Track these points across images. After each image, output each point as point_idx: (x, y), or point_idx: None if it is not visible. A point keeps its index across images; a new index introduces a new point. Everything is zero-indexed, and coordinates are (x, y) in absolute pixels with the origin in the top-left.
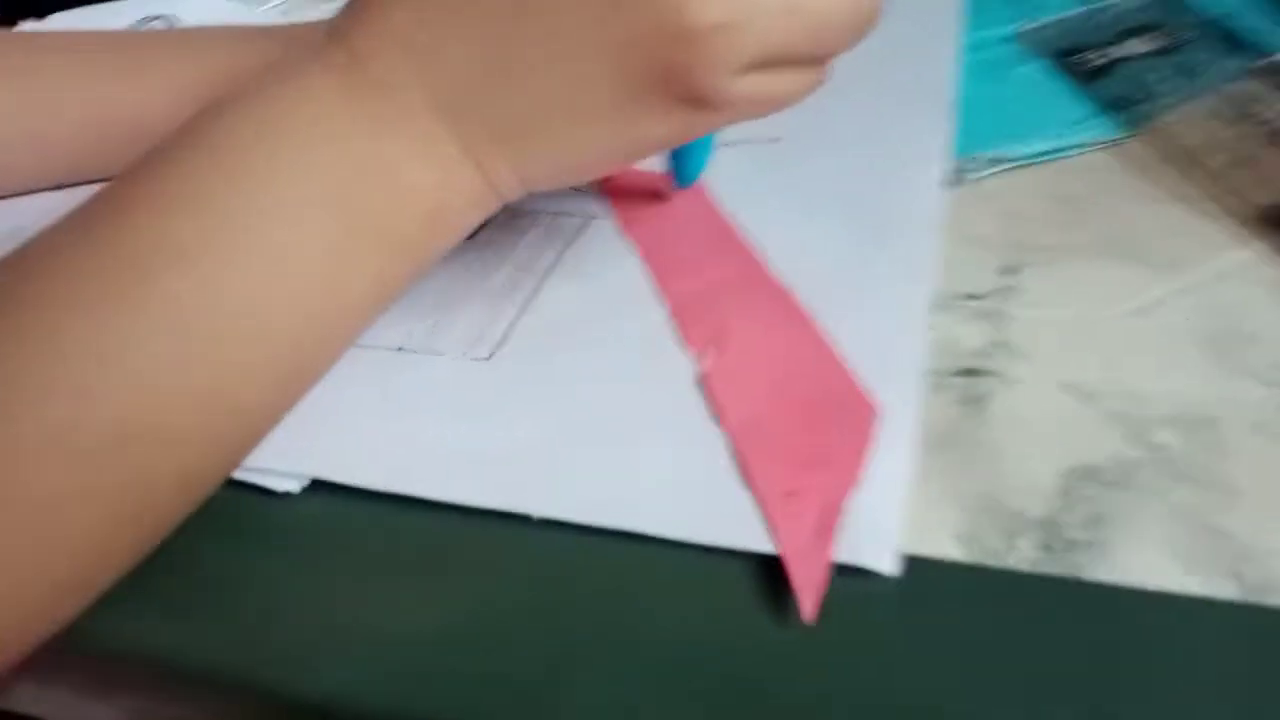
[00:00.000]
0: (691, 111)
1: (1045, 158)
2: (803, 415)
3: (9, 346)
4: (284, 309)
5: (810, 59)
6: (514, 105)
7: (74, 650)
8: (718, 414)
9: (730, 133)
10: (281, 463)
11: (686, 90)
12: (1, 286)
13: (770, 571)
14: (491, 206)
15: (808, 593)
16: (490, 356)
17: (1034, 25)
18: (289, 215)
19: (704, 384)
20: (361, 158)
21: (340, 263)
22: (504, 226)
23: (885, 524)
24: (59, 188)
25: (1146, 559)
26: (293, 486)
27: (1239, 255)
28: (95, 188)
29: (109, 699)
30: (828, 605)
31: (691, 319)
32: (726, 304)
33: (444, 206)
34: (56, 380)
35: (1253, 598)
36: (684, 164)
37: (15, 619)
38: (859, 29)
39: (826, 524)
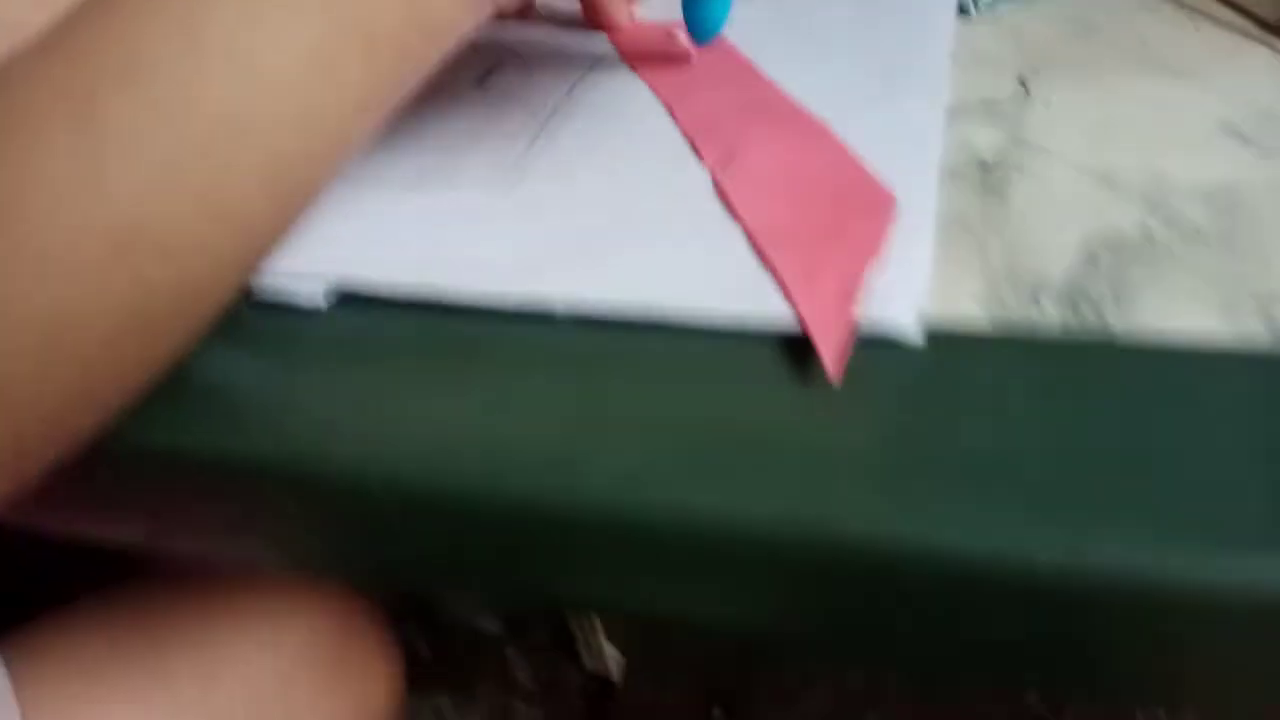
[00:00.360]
0: None
1: None
2: (820, 209)
3: None
4: (265, 117)
5: None
6: None
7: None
8: (735, 216)
9: None
10: (307, 267)
11: None
12: None
13: (796, 355)
14: (480, 8)
15: (830, 351)
16: (509, 185)
17: None
18: (266, 18)
19: (719, 192)
20: None
21: (323, 68)
22: (514, 72)
23: (908, 292)
24: None
25: (1175, 308)
26: (319, 301)
27: (1255, 58)
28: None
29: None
30: (855, 374)
31: (705, 137)
32: (740, 121)
33: (429, 3)
34: (43, 195)
35: None
36: (702, 17)
37: (31, 434)
38: None
39: (847, 291)
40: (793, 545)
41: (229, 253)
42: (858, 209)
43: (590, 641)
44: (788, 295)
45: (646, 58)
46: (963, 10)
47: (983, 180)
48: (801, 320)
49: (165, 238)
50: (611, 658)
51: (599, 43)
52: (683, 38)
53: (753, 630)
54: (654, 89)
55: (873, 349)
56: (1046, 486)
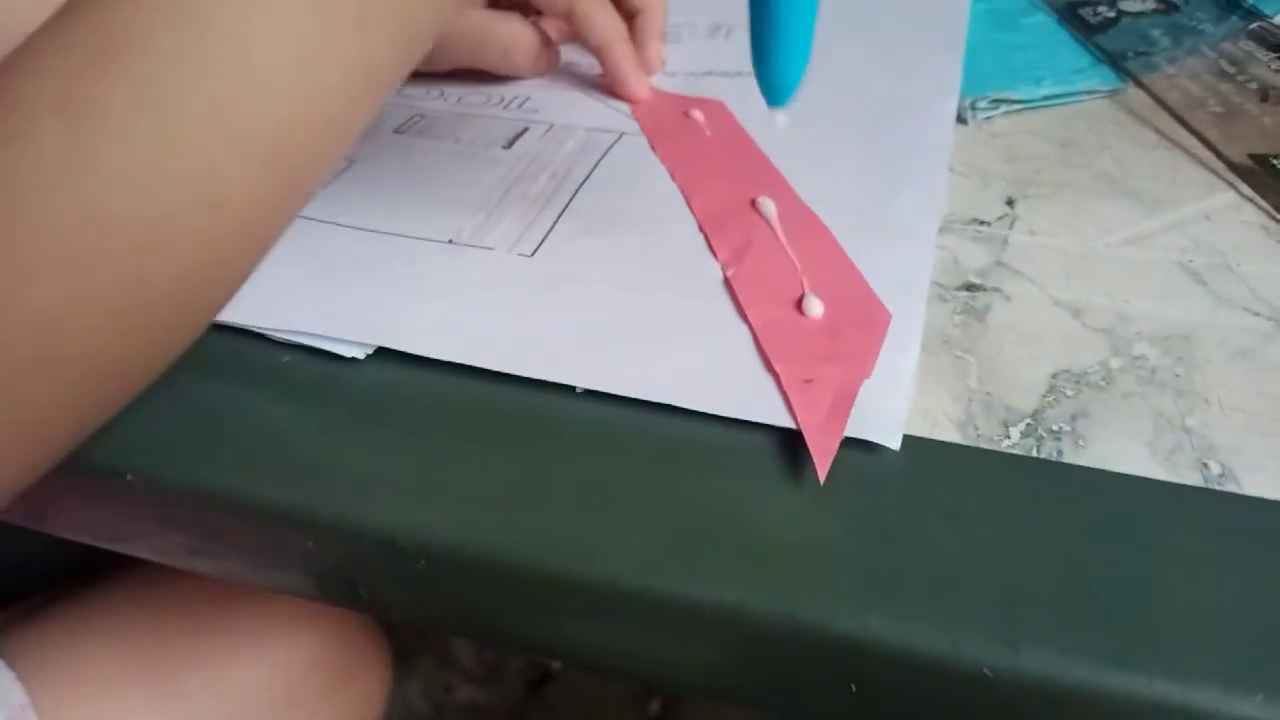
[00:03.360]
0: None
1: (1048, 102)
2: (820, 317)
3: None
4: (261, 97)
5: None
6: None
7: (130, 486)
8: (743, 315)
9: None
10: (349, 332)
11: None
12: None
13: (786, 446)
14: None
15: (822, 459)
16: (534, 253)
17: None
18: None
19: (730, 289)
20: None
21: (316, 43)
22: (543, 139)
23: (893, 406)
24: None
25: (1121, 448)
26: (359, 353)
27: (1225, 197)
28: None
29: (169, 531)
30: (838, 474)
31: (718, 231)
32: (751, 217)
33: None
34: (31, 184)
35: (1215, 486)
36: (776, 77)
37: (30, 437)
38: None
39: (840, 405)
40: (768, 627)
41: (229, 242)
42: (855, 320)
43: None
44: (786, 402)
45: (665, 132)
46: (959, 119)
47: (967, 301)
48: (800, 427)
49: (161, 226)
50: None
51: (624, 118)
52: (699, 116)
53: (720, 692)
54: (671, 172)
55: (854, 447)
56: (991, 590)
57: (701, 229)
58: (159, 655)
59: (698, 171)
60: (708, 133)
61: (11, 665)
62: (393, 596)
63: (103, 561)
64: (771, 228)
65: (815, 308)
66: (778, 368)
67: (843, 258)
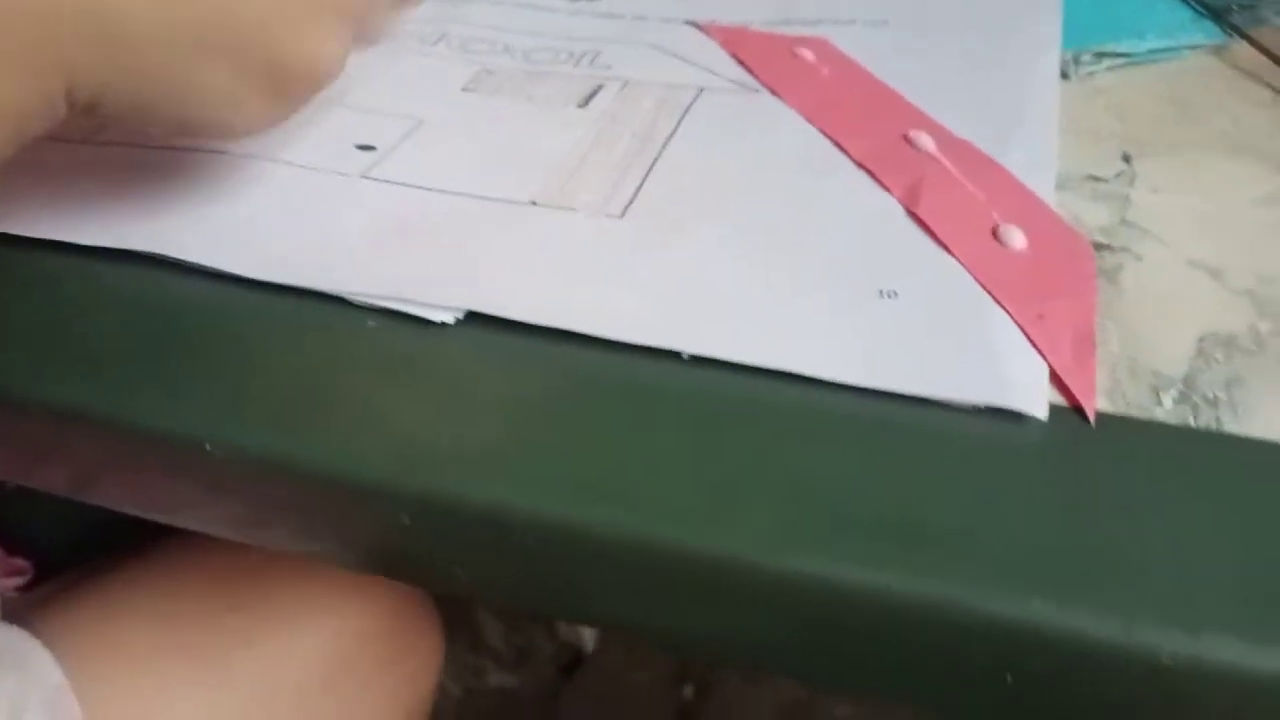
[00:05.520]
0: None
1: (1151, 58)
2: (1025, 250)
3: None
4: None
5: None
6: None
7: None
8: (948, 248)
9: (840, 8)
10: (438, 295)
11: None
12: None
13: (925, 418)
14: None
15: (1086, 398)
16: (623, 214)
17: None
18: None
19: (920, 223)
20: None
21: None
22: (619, 98)
23: (1034, 372)
24: None
25: None
26: (448, 317)
27: None
28: None
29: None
30: (980, 447)
31: (886, 170)
32: (911, 153)
33: None
34: None
35: None
36: None
37: None
38: None
39: (1082, 345)
40: (917, 612)
41: None
42: (1060, 252)
43: None
44: (1029, 337)
45: (783, 77)
46: (1062, 74)
47: (1096, 262)
48: (1051, 368)
49: None
50: (586, 628)
51: (701, 72)
52: (809, 55)
53: (862, 685)
54: (807, 116)
55: (995, 418)
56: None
57: (864, 168)
58: (204, 632)
59: (835, 111)
60: (824, 71)
61: (47, 645)
62: (494, 576)
63: (139, 539)
64: (939, 161)
65: (1016, 239)
66: (1006, 304)
67: (1021, 187)
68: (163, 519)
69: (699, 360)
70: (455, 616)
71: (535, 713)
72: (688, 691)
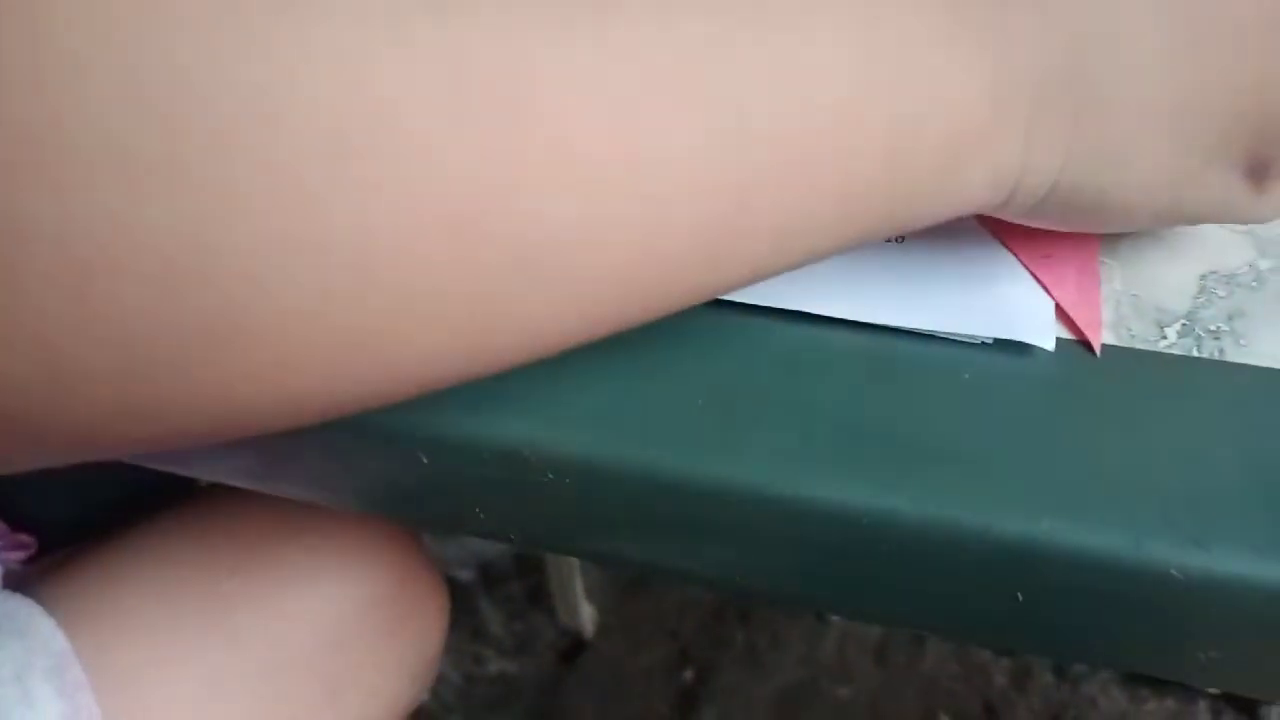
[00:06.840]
0: (1246, 187)
1: None
2: None
3: None
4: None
5: None
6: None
7: None
8: None
9: None
10: None
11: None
12: None
13: (937, 350)
14: (994, 196)
15: (1092, 330)
16: None
17: None
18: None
19: None
20: (907, 34)
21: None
22: None
23: (1041, 306)
24: None
25: None
26: None
27: None
28: None
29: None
30: (992, 378)
31: None
32: None
33: (958, 148)
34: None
35: None
36: None
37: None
38: None
39: (1087, 280)
40: (930, 534)
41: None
42: None
43: (568, 597)
44: (1034, 274)
45: None
46: None
47: None
48: (1056, 301)
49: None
50: (586, 615)
51: None
52: None
53: (874, 611)
54: None
55: (1005, 350)
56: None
57: None
58: (208, 595)
59: None
60: None
61: (51, 612)
62: (513, 515)
63: (140, 504)
64: None
65: None
66: (1012, 245)
67: None
68: (178, 470)
69: (716, 301)
70: (456, 604)
71: (536, 699)
72: (688, 676)
